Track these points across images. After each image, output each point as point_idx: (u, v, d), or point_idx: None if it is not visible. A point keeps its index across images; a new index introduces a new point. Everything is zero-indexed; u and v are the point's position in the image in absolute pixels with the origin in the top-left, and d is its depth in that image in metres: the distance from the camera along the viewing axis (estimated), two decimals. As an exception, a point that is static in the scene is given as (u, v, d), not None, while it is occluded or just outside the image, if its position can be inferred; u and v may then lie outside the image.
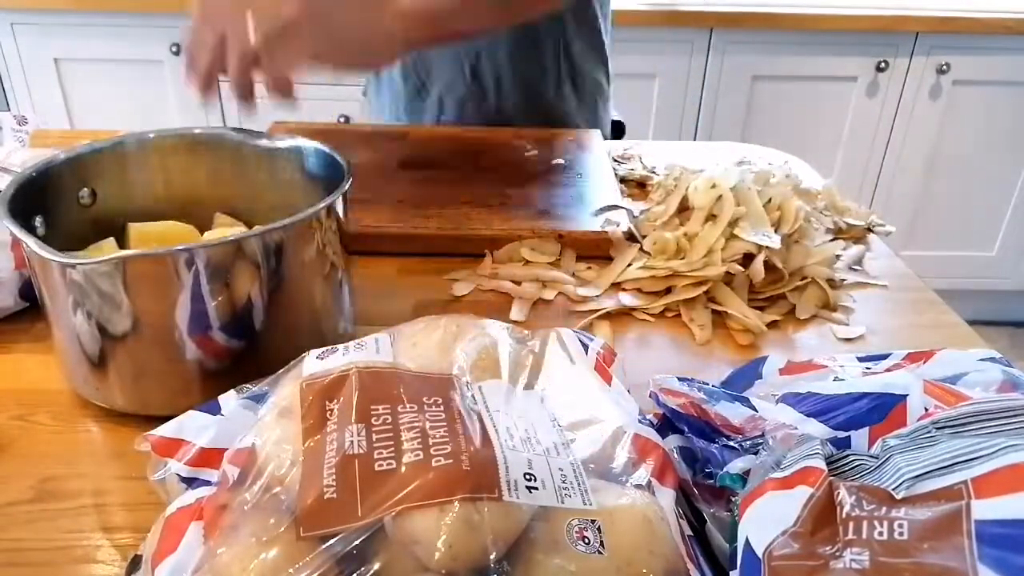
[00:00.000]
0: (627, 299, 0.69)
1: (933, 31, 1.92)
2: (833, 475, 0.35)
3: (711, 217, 0.73)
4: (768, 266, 0.69)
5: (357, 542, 0.33)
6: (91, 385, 0.54)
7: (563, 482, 0.37)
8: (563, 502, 0.36)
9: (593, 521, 0.35)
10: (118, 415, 0.54)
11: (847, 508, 0.33)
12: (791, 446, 0.38)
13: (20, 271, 0.63)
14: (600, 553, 0.34)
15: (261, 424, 0.40)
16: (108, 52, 1.91)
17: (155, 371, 0.52)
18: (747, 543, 0.34)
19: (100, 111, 1.97)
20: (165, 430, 0.42)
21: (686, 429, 0.45)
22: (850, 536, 0.32)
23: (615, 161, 0.96)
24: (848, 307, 0.71)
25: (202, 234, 0.63)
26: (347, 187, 0.56)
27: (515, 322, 0.66)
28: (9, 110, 1.97)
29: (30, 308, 0.64)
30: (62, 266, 0.48)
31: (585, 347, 0.49)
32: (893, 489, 0.33)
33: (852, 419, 0.41)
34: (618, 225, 0.78)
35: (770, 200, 0.74)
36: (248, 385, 0.45)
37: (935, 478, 0.32)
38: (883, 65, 1.96)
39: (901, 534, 0.31)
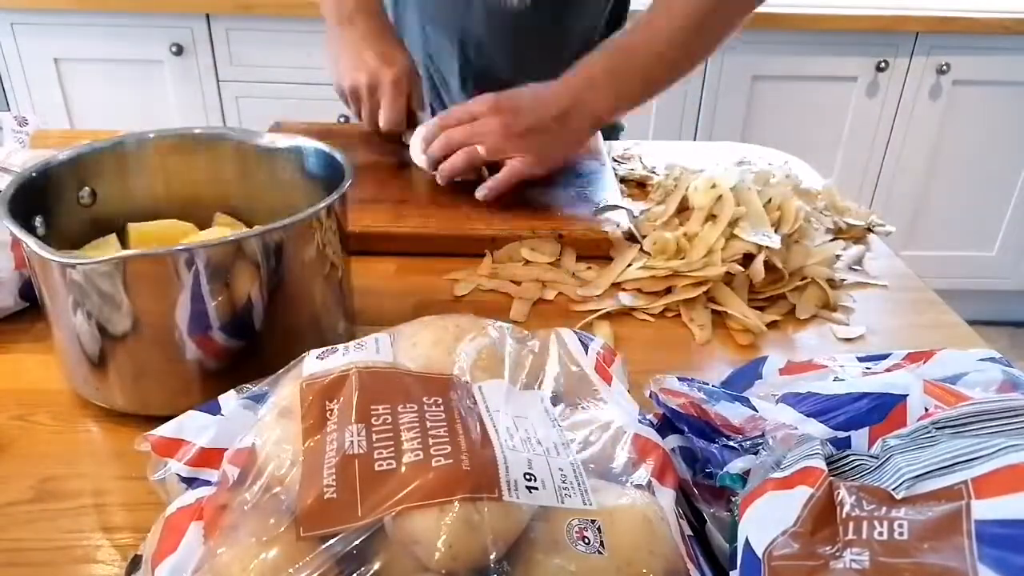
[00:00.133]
0: (627, 299, 0.69)
1: (933, 31, 1.92)
2: (833, 475, 0.35)
3: (711, 217, 0.73)
4: (768, 266, 0.69)
5: (357, 542, 0.33)
6: (91, 385, 0.53)
7: (563, 482, 0.37)
8: (563, 502, 0.36)
9: (593, 521, 0.35)
10: (118, 415, 0.54)
11: (847, 508, 0.33)
12: (791, 446, 0.38)
13: (20, 271, 0.63)
14: (600, 553, 0.34)
15: (261, 424, 0.40)
16: (108, 52, 1.90)
17: (155, 371, 0.52)
18: (747, 543, 0.34)
19: (100, 111, 1.97)
20: (165, 430, 0.42)
21: (686, 429, 0.45)
22: (850, 536, 0.32)
23: (615, 161, 0.96)
24: (848, 307, 0.71)
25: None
26: (347, 187, 0.56)
27: (515, 322, 0.66)
28: (9, 110, 1.97)
29: (30, 308, 0.64)
30: (62, 266, 0.48)
31: (585, 347, 0.49)
32: (893, 489, 0.33)
33: (852, 419, 0.41)
34: (618, 225, 0.78)
35: (770, 200, 0.74)
36: (248, 385, 0.45)
37: (935, 478, 0.32)
38: (883, 65, 1.96)
39: (901, 534, 0.31)
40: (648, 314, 0.68)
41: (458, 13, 1.04)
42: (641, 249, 0.75)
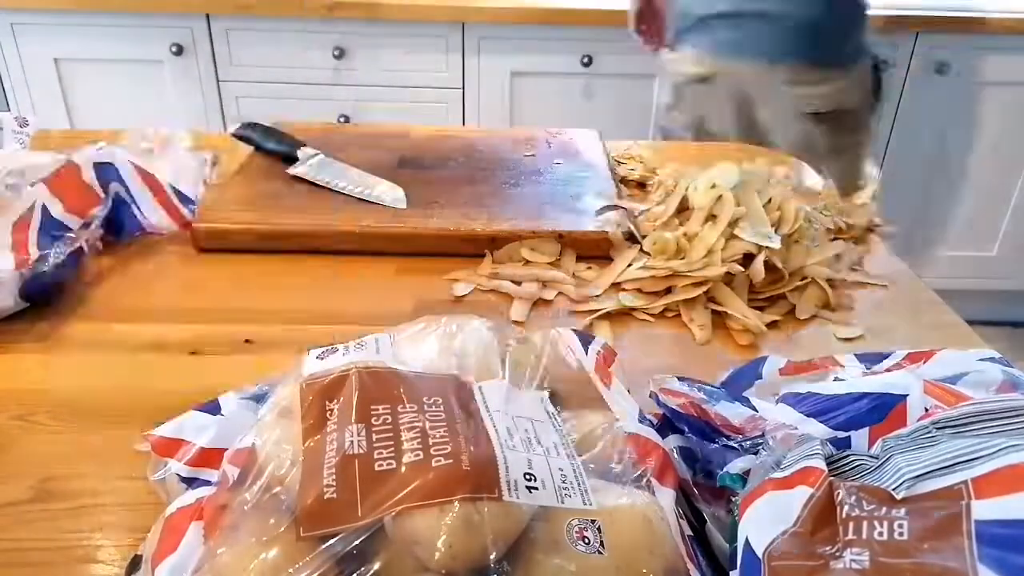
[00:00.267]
0: (627, 299, 0.69)
1: (933, 31, 1.92)
2: (833, 475, 0.35)
3: (711, 217, 0.73)
4: (768, 266, 0.69)
5: (357, 542, 0.33)
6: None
7: (563, 482, 0.37)
8: (563, 502, 0.36)
9: (593, 521, 0.35)
10: (118, 415, 0.54)
11: (847, 508, 0.32)
12: (791, 446, 0.38)
13: (20, 271, 0.63)
14: (600, 553, 0.34)
15: (261, 424, 0.40)
16: (108, 52, 1.90)
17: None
18: (747, 543, 0.34)
19: (100, 111, 1.97)
20: (165, 430, 0.42)
21: (686, 429, 0.45)
22: (850, 536, 0.32)
23: (615, 161, 0.96)
24: (848, 307, 0.71)
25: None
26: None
27: (515, 322, 0.66)
28: (9, 110, 1.97)
29: (30, 308, 0.64)
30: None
31: (585, 347, 0.49)
32: (893, 489, 0.33)
33: (852, 419, 0.41)
34: (618, 225, 0.78)
35: (770, 200, 0.74)
36: (248, 385, 0.45)
37: (935, 478, 0.32)
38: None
39: (901, 534, 0.31)
40: (648, 314, 0.68)
41: None
42: (641, 249, 0.75)
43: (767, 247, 0.69)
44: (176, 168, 0.82)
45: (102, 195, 0.74)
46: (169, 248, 0.77)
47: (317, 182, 0.84)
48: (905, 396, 0.40)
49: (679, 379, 0.48)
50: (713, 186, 0.75)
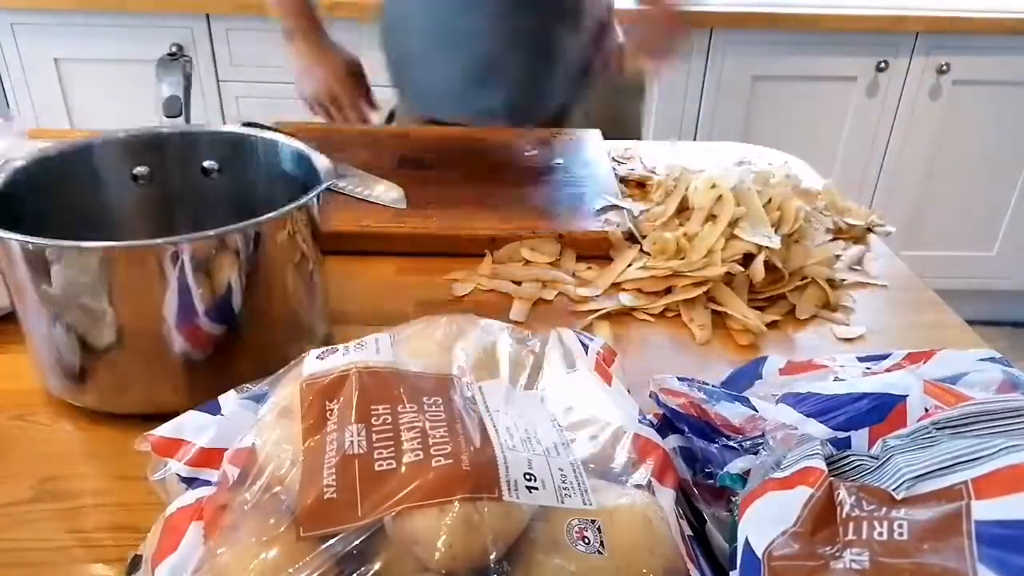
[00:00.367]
0: (627, 299, 0.69)
1: (933, 31, 1.92)
2: (833, 475, 0.35)
3: (711, 217, 0.73)
4: (768, 266, 0.69)
5: (357, 542, 0.33)
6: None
7: (563, 482, 0.36)
8: (563, 502, 0.36)
9: (593, 521, 0.35)
10: (118, 415, 0.54)
11: (847, 508, 0.32)
12: (791, 446, 0.38)
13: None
14: (600, 553, 0.34)
15: (261, 424, 0.40)
16: (108, 52, 1.90)
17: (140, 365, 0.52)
18: (747, 543, 0.34)
19: (100, 111, 1.97)
20: (165, 430, 0.42)
21: (686, 429, 0.45)
22: (850, 536, 0.32)
23: (615, 161, 0.96)
24: (848, 307, 0.71)
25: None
26: (323, 188, 0.56)
27: (515, 322, 0.66)
28: (9, 110, 1.97)
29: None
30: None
31: (585, 347, 0.49)
32: (893, 489, 0.33)
33: (852, 419, 0.41)
34: (618, 225, 0.78)
35: (770, 200, 0.74)
36: (248, 385, 0.45)
37: (935, 478, 0.32)
38: (883, 65, 1.96)
39: (901, 534, 0.31)
40: (648, 314, 0.68)
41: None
42: (641, 249, 0.75)
43: (767, 247, 0.69)
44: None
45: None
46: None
47: (317, 182, 0.84)
48: (905, 396, 0.40)
49: (679, 379, 0.48)
50: (713, 186, 0.75)
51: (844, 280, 0.74)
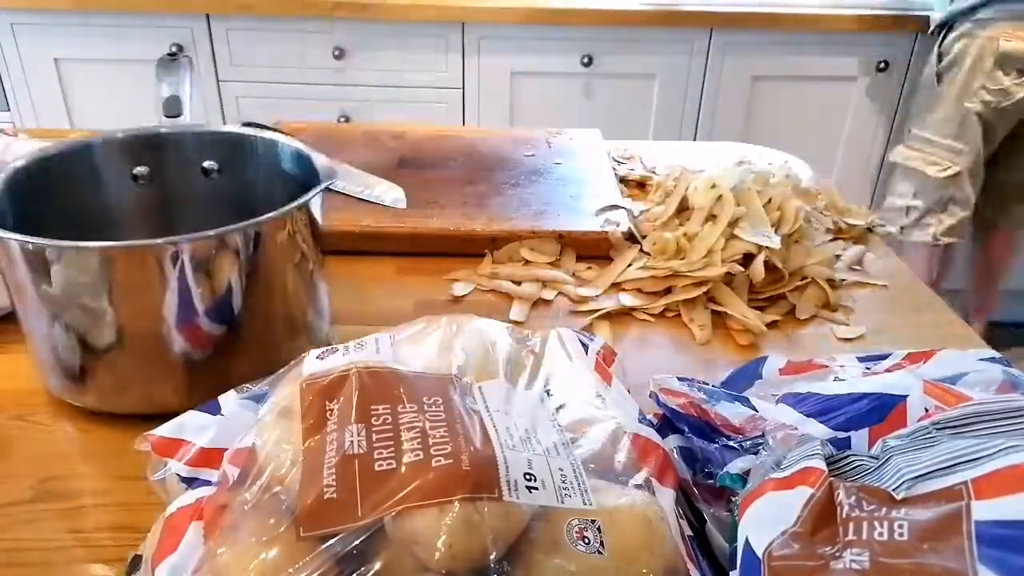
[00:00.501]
0: (627, 299, 0.69)
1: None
2: (833, 475, 0.35)
3: (711, 217, 0.73)
4: (768, 266, 0.69)
5: (357, 542, 0.33)
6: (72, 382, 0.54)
7: (563, 482, 0.36)
8: (563, 502, 0.36)
9: (593, 521, 0.35)
10: (118, 415, 0.54)
11: (847, 508, 0.32)
12: (791, 446, 0.38)
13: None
14: (600, 553, 0.34)
15: (261, 424, 0.40)
16: (108, 52, 1.90)
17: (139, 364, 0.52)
18: (747, 543, 0.34)
19: (100, 111, 1.97)
20: (165, 430, 0.42)
21: (686, 429, 0.45)
22: (850, 536, 0.32)
23: (615, 161, 0.96)
24: (848, 307, 0.71)
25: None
26: (323, 188, 0.56)
27: (515, 322, 0.66)
28: (9, 110, 1.97)
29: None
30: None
31: (585, 347, 0.49)
32: (893, 490, 0.33)
33: (852, 419, 0.41)
34: (618, 225, 0.78)
35: (770, 200, 0.74)
36: (248, 385, 0.45)
37: (935, 479, 0.32)
38: (883, 65, 1.96)
39: (901, 535, 0.31)
40: (648, 314, 0.68)
41: None
42: (641, 249, 0.75)
43: (767, 247, 0.69)
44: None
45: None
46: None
47: (317, 182, 0.84)
48: (905, 396, 0.40)
49: (679, 379, 0.48)
50: (713, 186, 0.75)
51: (844, 280, 0.74)
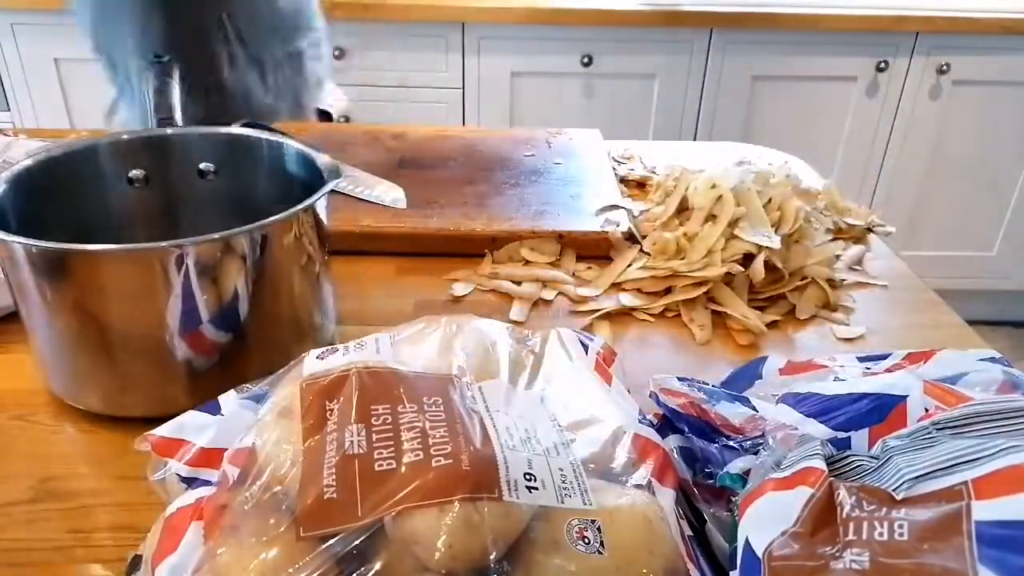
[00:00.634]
0: (627, 299, 0.69)
1: (933, 31, 1.92)
2: (833, 476, 0.35)
3: (711, 217, 0.73)
4: (768, 266, 0.69)
5: (357, 542, 0.33)
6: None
7: (563, 482, 0.37)
8: (563, 502, 0.36)
9: (593, 521, 0.35)
10: (118, 415, 0.54)
11: (847, 509, 0.32)
12: (791, 446, 0.38)
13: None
14: (600, 553, 0.34)
15: (261, 424, 0.40)
16: (108, 52, 1.90)
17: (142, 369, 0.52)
18: (747, 543, 0.34)
19: (100, 111, 1.97)
20: (165, 430, 0.42)
21: (686, 429, 0.45)
22: (850, 537, 0.32)
23: (615, 161, 0.96)
24: (848, 307, 0.71)
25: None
26: (330, 188, 0.56)
27: (515, 322, 0.66)
28: (9, 110, 1.97)
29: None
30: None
31: (585, 347, 0.49)
32: (893, 490, 0.33)
33: (852, 419, 0.41)
34: (618, 225, 0.78)
35: (770, 200, 0.74)
36: (248, 385, 0.45)
37: (935, 479, 0.32)
38: (883, 65, 1.96)
39: (901, 535, 0.31)
40: (648, 314, 0.68)
41: None
42: (641, 249, 0.75)
43: (767, 247, 0.69)
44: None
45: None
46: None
47: (317, 182, 0.84)
48: (905, 396, 0.40)
49: (679, 379, 0.48)
50: (713, 186, 0.75)
51: (844, 280, 0.74)
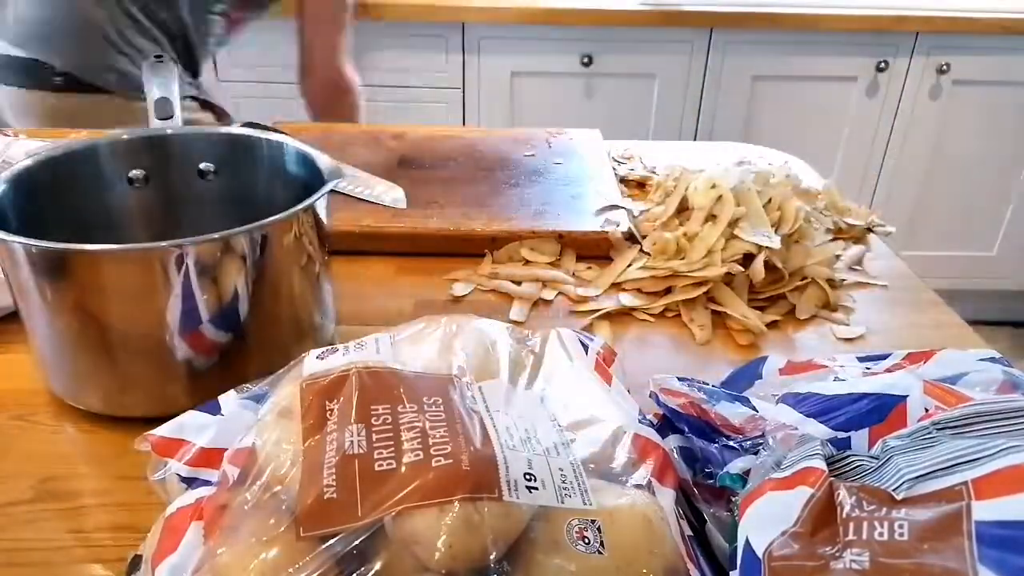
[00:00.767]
0: (627, 299, 0.69)
1: (933, 31, 1.92)
2: (833, 476, 0.35)
3: (711, 217, 0.73)
4: (768, 266, 0.69)
5: (357, 542, 0.33)
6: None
7: (563, 482, 0.37)
8: (563, 502, 0.36)
9: (593, 521, 0.35)
10: (118, 415, 0.54)
11: (847, 509, 0.32)
12: (791, 446, 0.38)
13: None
14: (600, 553, 0.34)
15: (261, 424, 0.40)
16: (108, 52, 1.90)
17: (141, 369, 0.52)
18: (747, 543, 0.34)
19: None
20: (165, 430, 0.42)
21: (686, 429, 0.45)
22: (850, 537, 0.32)
23: (615, 161, 0.96)
24: (848, 307, 0.71)
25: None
26: (330, 188, 0.56)
27: (515, 322, 0.66)
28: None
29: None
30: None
31: (585, 347, 0.49)
32: (893, 490, 0.33)
33: (852, 419, 0.41)
34: (618, 225, 0.78)
35: (770, 200, 0.74)
36: (248, 385, 0.45)
37: (935, 479, 0.32)
38: (883, 65, 1.96)
39: (901, 535, 0.31)
40: (648, 314, 0.68)
41: None
42: (641, 249, 0.75)
43: (767, 247, 0.69)
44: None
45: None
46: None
47: (317, 182, 0.84)
48: (905, 396, 0.40)
49: (679, 379, 0.48)
50: (713, 186, 0.75)
51: (844, 280, 0.74)
